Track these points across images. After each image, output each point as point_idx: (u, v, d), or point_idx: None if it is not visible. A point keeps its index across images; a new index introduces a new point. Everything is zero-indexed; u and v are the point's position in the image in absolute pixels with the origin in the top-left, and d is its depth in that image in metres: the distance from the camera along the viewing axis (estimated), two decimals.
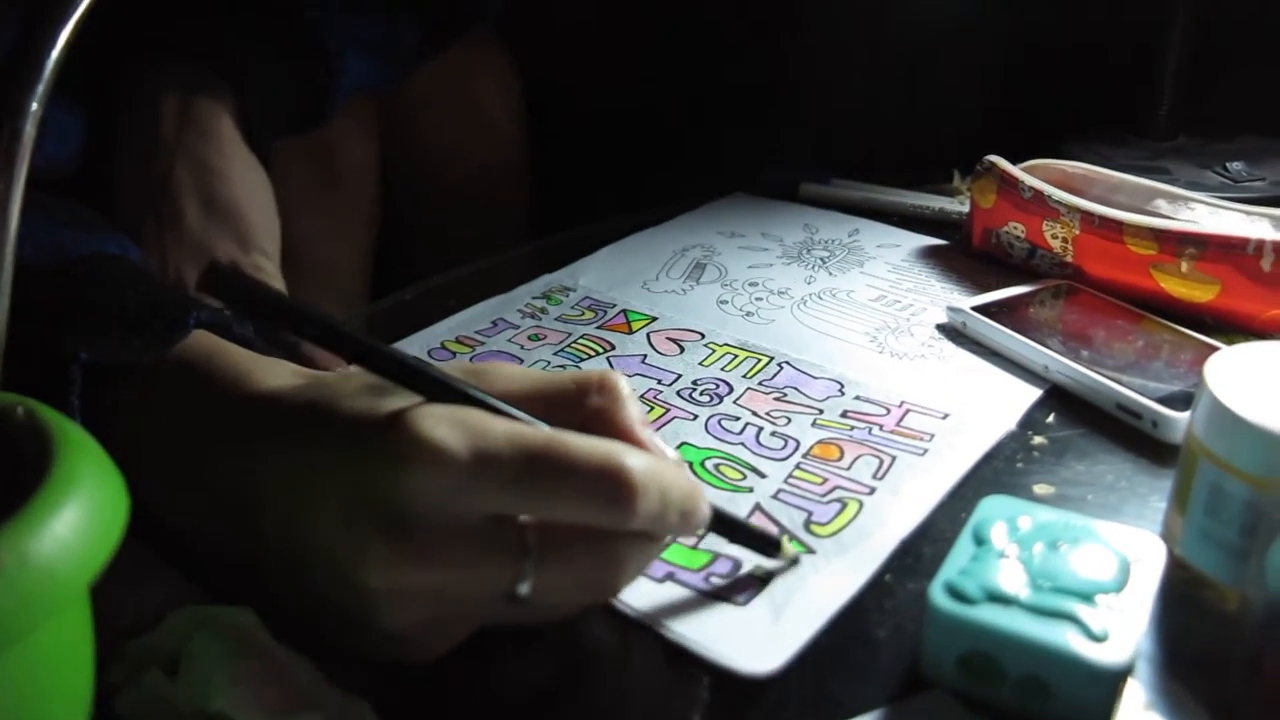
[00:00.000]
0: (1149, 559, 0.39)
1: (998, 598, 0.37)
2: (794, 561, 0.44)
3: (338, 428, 0.37)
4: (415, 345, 0.65)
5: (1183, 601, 0.42)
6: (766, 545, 0.44)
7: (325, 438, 0.37)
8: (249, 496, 0.39)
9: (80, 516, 0.25)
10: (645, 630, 0.41)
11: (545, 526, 0.36)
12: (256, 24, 0.68)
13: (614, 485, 0.35)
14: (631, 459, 0.35)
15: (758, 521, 0.48)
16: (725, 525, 0.43)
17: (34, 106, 0.28)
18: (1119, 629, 0.36)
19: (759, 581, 0.44)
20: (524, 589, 0.35)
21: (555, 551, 0.36)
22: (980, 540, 0.40)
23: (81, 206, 0.57)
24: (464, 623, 0.38)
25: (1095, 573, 0.38)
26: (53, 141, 0.60)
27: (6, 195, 0.27)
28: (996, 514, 0.42)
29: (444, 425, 0.34)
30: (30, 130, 0.28)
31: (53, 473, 0.26)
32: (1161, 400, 0.53)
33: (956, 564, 0.39)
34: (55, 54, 0.29)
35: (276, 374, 0.43)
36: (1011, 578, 0.38)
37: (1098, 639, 0.36)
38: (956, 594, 0.38)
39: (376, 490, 0.35)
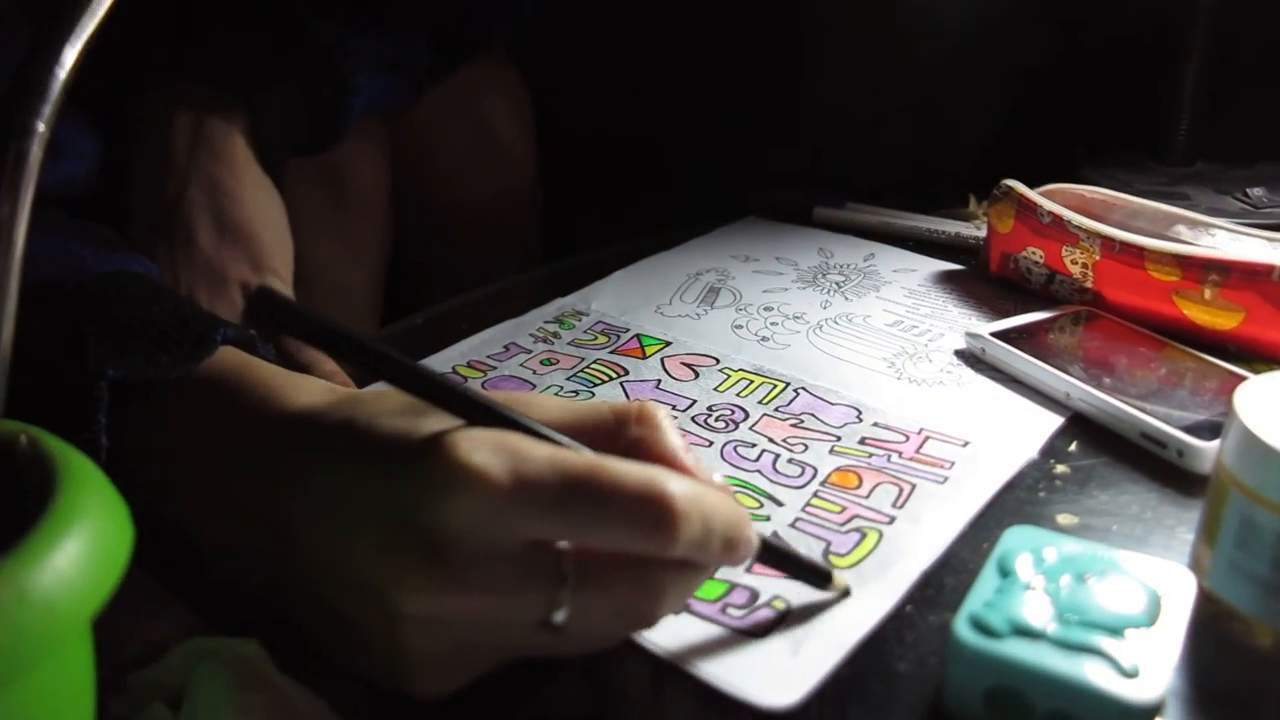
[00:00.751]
0: (1179, 592, 0.38)
1: (1024, 631, 0.36)
2: (845, 594, 0.43)
3: (376, 449, 0.37)
4: None
5: (1212, 636, 0.41)
6: (818, 577, 0.43)
7: (363, 458, 0.37)
8: (279, 515, 0.38)
9: (82, 549, 0.24)
10: (661, 663, 0.40)
11: (584, 553, 0.35)
12: (270, 44, 0.68)
13: (656, 511, 0.34)
14: (674, 484, 0.35)
15: None
16: (775, 556, 0.41)
17: (40, 127, 0.27)
18: (1149, 664, 0.35)
19: (777, 612, 0.43)
20: (560, 617, 0.35)
21: (593, 579, 0.35)
22: (1005, 572, 0.39)
23: (101, 227, 0.57)
24: (491, 653, 0.38)
25: (1124, 606, 0.37)
26: (69, 160, 0.60)
27: (12, 217, 0.27)
28: (1021, 545, 0.41)
29: (485, 449, 0.34)
30: (36, 151, 0.27)
31: (55, 504, 0.25)
32: (1187, 429, 0.52)
33: (981, 596, 0.38)
34: (63, 75, 0.28)
35: (308, 390, 0.42)
36: (1038, 611, 0.37)
37: (1128, 675, 0.35)
38: (981, 627, 0.37)
39: (416, 515, 0.34)
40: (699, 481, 0.37)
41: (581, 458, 0.35)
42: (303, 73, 0.69)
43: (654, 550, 0.35)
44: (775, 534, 0.48)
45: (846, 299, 0.74)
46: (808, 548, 0.47)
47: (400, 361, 0.36)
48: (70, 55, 0.28)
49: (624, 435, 0.38)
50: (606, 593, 0.36)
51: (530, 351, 0.66)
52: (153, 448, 0.43)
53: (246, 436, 0.41)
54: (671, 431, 0.39)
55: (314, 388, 0.43)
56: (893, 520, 0.49)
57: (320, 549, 0.37)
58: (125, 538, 0.27)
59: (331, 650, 0.38)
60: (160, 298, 0.48)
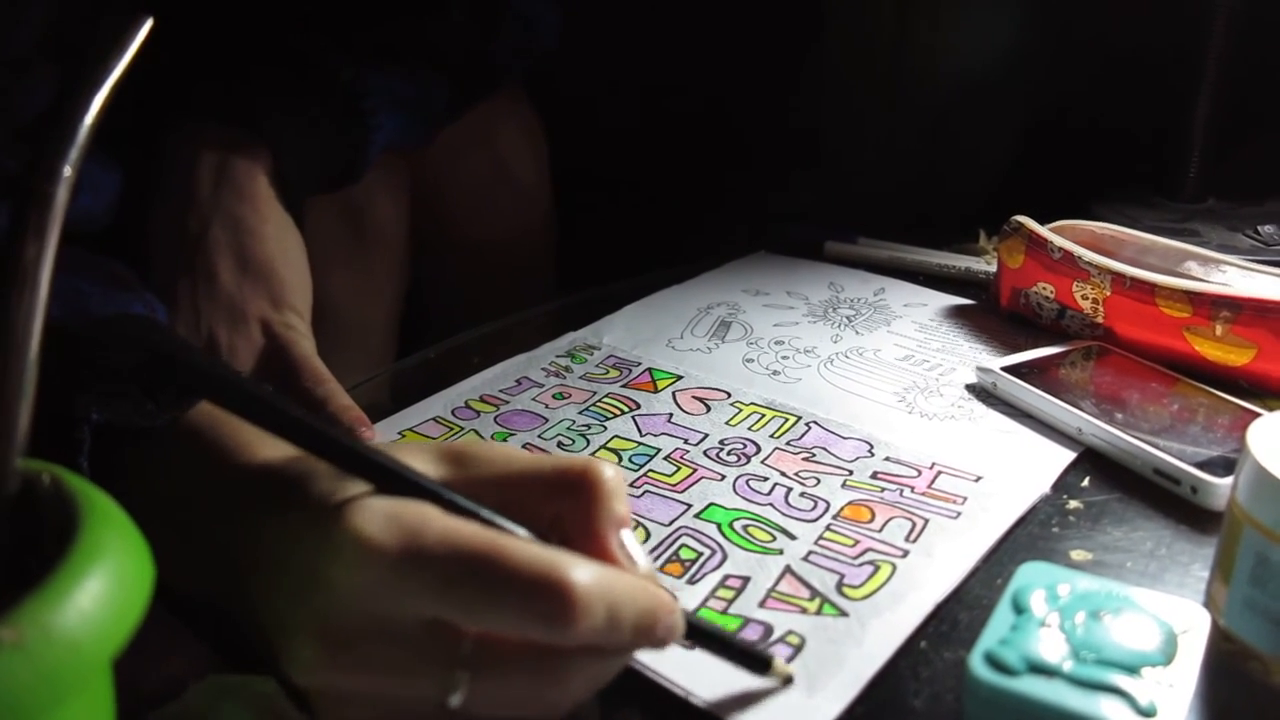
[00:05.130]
0: (1194, 630, 0.38)
1: (1040, 669, 0.36)
2: (788, 681, 0.41)
3: (302, 511, 0.36)
4: (439, 404, 0.64)
5: (1227, 674, 0.41)
6: (755, 663, 0.40)
7: (290, 520, 0.36)
8: (228, 571, 0.38)
9: (104, 588, 0.25)
10: (675, 699, 0.40)
11: (486, 636, 0.34)
12: (292, 83, 0.69)
13: (552, 599, 0.32)
14: (577, 572, 0.33)
15: (788, 585, 0.47)
16: (706, 639, 0.40)
17: (67, 171, 0.27)
18: (1167, 703, 0.35)
19: (792, 649, 0.43)
20: (455, 701, 0.33)
21: (493, 663, 0.34)
22: (1020, 608, 0.39)
23: (114, 263, 0.57)
24: None
25: (1140, 644, 0.37)
26: (86, 195, 0.61)
27: (38, 260, 0.27)
28: (1035, 581, 0.41)
29: (379, 520, 0.33)
30: (63, 195, 0.27)
31: (77, 542, 0.25)
32: (1200, 465, 0.52)
33: (996, 633, 0.38)
34: (89, 118, 0.28)
35: (276, 444, 0.42)
36: (1053, 648, 0.37)
37: (1145, 713, 0.35)
38: (997, 664, 0.37)
39: (313, 584, 0.33)
40: (611, 567, 0.35)
41: (480, 535, 0.33)
42: (324, 111, 0.70)
43: (550, 639, 0.33)
44: (789, 567, 0.48)
45: (857, 333, 0.74)
46: (821, 580, 0.47)
47: (300, 422, 0.35)
48: (98, 99, 0.28)
49: (560, 498, 0.37)
50: (506, 679, 0.34)
51: (542, 385, 0.66)
52: (133, 494, 0.43)
53: (209, 490, 0.41)
54: (612, 500, 0.37)
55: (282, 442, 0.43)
56: (906, 554, 0.49)
57: (256, 610, 0.37)
58: (146, 576, 0.27)
59: None
60: (156, 342, 0.48)
